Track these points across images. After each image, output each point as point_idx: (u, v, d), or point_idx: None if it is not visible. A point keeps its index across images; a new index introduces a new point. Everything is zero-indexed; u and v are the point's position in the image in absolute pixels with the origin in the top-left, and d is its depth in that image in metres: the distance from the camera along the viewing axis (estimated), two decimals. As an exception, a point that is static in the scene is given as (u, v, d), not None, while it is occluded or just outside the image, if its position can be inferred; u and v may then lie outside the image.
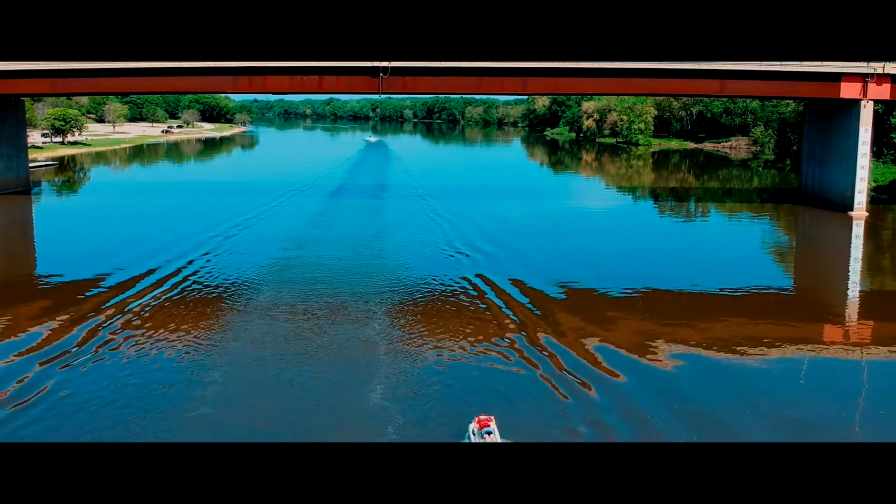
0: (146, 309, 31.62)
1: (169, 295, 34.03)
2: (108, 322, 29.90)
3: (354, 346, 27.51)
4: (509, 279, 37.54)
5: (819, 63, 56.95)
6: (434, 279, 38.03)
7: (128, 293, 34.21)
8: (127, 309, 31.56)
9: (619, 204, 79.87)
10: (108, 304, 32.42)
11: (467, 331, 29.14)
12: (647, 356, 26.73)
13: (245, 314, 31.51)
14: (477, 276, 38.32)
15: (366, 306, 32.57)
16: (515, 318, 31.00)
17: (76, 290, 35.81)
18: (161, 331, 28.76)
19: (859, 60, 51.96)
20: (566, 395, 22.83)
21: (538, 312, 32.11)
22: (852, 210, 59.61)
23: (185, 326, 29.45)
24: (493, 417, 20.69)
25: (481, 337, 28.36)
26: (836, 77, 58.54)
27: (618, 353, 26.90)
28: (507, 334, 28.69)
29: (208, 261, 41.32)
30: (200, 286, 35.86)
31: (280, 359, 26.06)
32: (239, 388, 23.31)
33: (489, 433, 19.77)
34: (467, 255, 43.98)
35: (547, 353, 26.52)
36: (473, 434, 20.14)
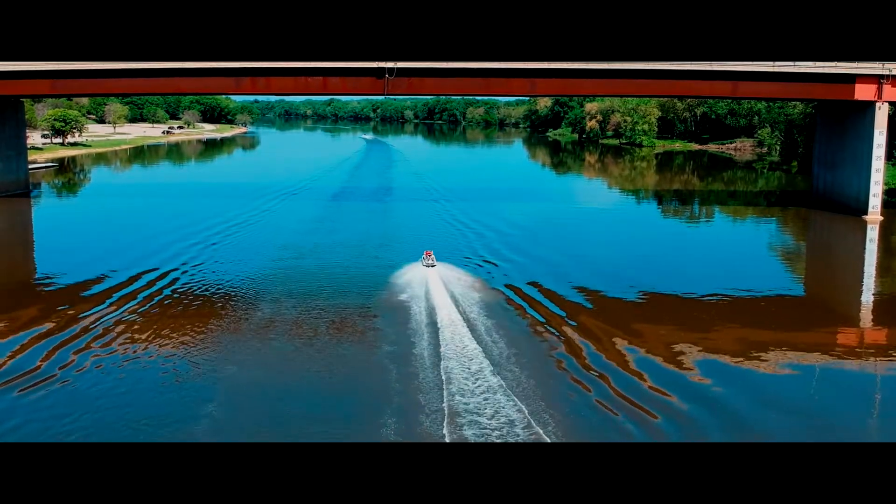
0: (136, 326, 29.54)
1: (161, 311, 31.95)
2: (95, 341, 27.88)
3: (363, 370, 25.34)
4: (530, 284, 36.58)
5: (833, 64, 55.97)
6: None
7: (119, 306, 32.32)
8: (115, 327, 29.45)
9: (629, 207, 78.80)
10: (97, 319, 30.47)
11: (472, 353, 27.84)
12: (754, 363, 26.10)
13: (242, 332, 29.34)
14: (507, 286, 36.51)
15: (373, 323, 30.65)
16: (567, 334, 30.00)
17: (70, 299, 34.20)
18: (151, 352, 26.68)
19: (875, 61, 51.05)
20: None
21: (573, 323, 31.15)
22: (866, 214, 58.54)
23: (177, 348, 27.17)
24: (432, 251, 39.74)
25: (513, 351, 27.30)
26: (851, 78, 57.49)
27: (729, 365, 26.29)
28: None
29: (210, 269, 39.85)
30: (195, 300, 33.73)
31: (281, 386, 23.73)
32: (235, 423, 20.97)
33: (430, 257, 38.93)
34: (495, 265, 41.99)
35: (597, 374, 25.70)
36: (424, 258, 39.14)
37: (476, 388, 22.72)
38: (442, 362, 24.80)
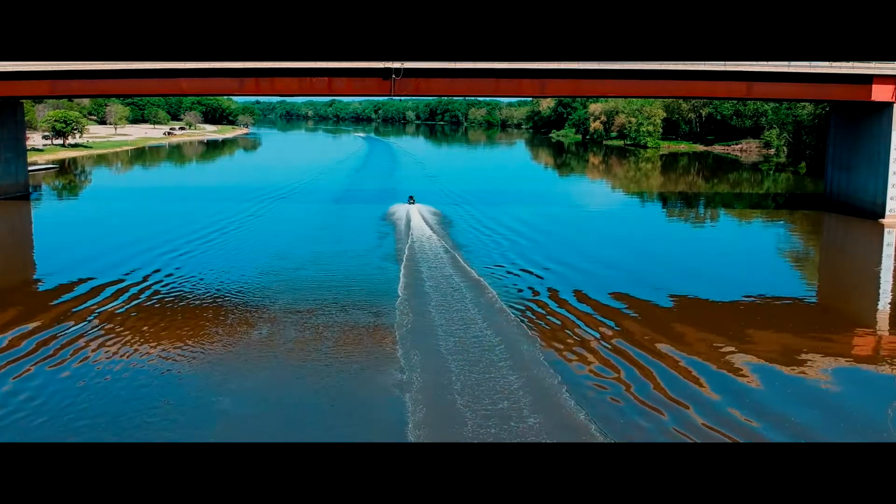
0: (114, 347, 26.82)
1: (146, 328, 29.18)
2: (66, 360, 25.51)
3: (374, 402, 22.25)
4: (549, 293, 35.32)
5: (850, 64, 54.84)
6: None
7: (101, 321, 29.96)
8: (92, 346, 26.87)
9: (639, 209, 77.59)
10: (73, 336, 27.99)
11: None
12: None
13: (236, 355, 26.13)
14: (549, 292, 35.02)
15: (385, 347, 27.23)
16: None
17: (51, 310, 32.20)
18: (131, 378, 23.69)
19: (893, 61, 49.94)
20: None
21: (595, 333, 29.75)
22: (884, 217, 57.37)
23: (162, 373, 24.16)
24: (413, 196, 62.15)
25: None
26: (868, 79, 56.34)
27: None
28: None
29: (203, 280, 37.39)
30: (184, 316, 30.92)
31: (281, 422, 20.84)
32: None
33: (412, 200, 60.54)
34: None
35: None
36: (408, 201, 60.98)
37: None
38: (459, 396, 22.35)
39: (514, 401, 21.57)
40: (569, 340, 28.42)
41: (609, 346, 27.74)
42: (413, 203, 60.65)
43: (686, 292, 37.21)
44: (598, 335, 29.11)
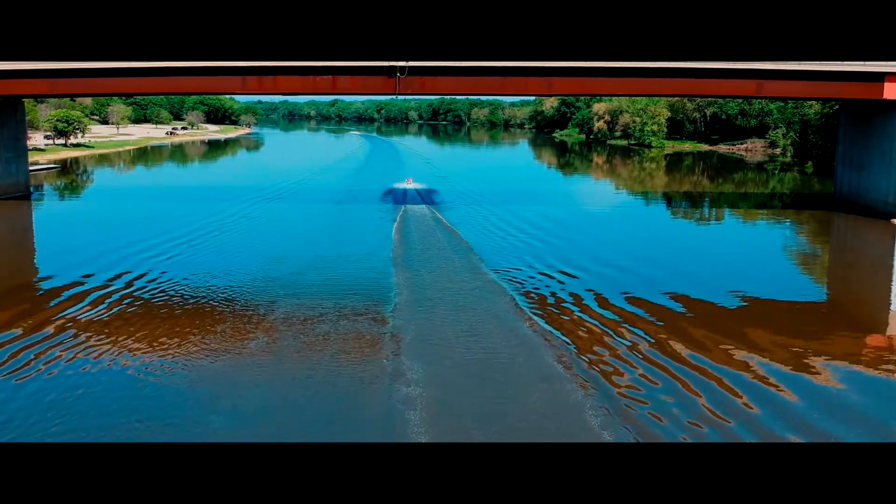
0: (96, 356, 24.98)
1: (134, 334, 27.51)
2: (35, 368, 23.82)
3: (380, 422, 20.46)
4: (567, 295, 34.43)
5: (861, 63, 53.97)
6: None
7: (86, 329, 28.12)
8: (70, 356, 24.98)
9: (645, 209, 76.78)
10: (46, 352, 25.56)
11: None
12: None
13: (232, 366, 24.46)
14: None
15: (388, 363, 24.99)
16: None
17: (47, 315, 30.55)
18: (114, 393, 21.95)
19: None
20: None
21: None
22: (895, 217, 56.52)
23: (147, 386, 22.44)
24: (411, 178, 70.68)
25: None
26: (880, 77, 55.48)
27: None
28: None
29: (197, 285, 35.65)
30: (176, 322, 29.23)
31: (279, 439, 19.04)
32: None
33: (410, 183, 68.43)
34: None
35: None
36: (405, 182, 69.47)
37: None
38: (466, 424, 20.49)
39: (534, 420, 19.78)
40: (611, 344, 27.06)
41: (648, 354, 26.19)
42: (410, 184, 67.17)
43: (709, 290, 36.11)
44: (630, 342, 27.49)
